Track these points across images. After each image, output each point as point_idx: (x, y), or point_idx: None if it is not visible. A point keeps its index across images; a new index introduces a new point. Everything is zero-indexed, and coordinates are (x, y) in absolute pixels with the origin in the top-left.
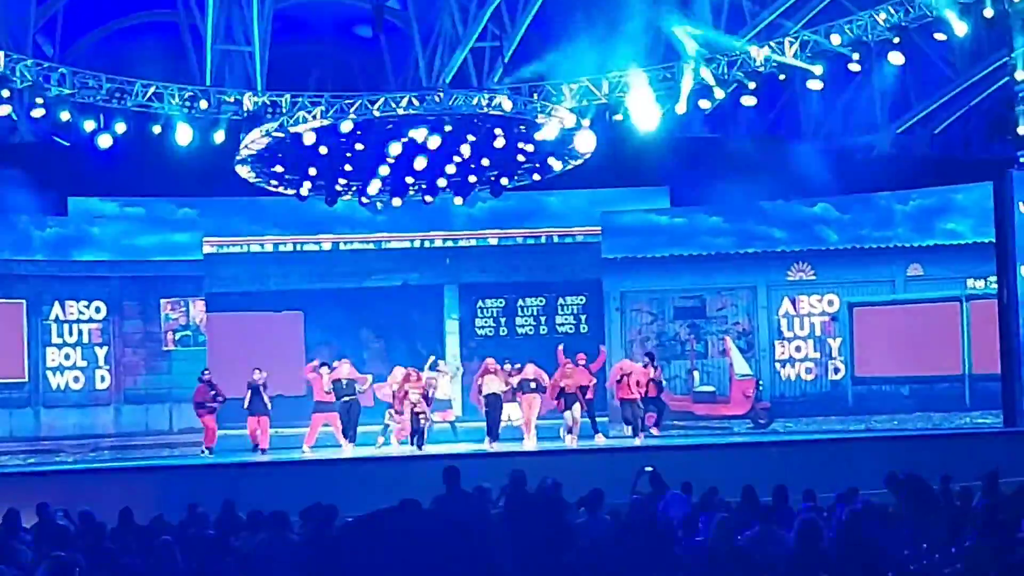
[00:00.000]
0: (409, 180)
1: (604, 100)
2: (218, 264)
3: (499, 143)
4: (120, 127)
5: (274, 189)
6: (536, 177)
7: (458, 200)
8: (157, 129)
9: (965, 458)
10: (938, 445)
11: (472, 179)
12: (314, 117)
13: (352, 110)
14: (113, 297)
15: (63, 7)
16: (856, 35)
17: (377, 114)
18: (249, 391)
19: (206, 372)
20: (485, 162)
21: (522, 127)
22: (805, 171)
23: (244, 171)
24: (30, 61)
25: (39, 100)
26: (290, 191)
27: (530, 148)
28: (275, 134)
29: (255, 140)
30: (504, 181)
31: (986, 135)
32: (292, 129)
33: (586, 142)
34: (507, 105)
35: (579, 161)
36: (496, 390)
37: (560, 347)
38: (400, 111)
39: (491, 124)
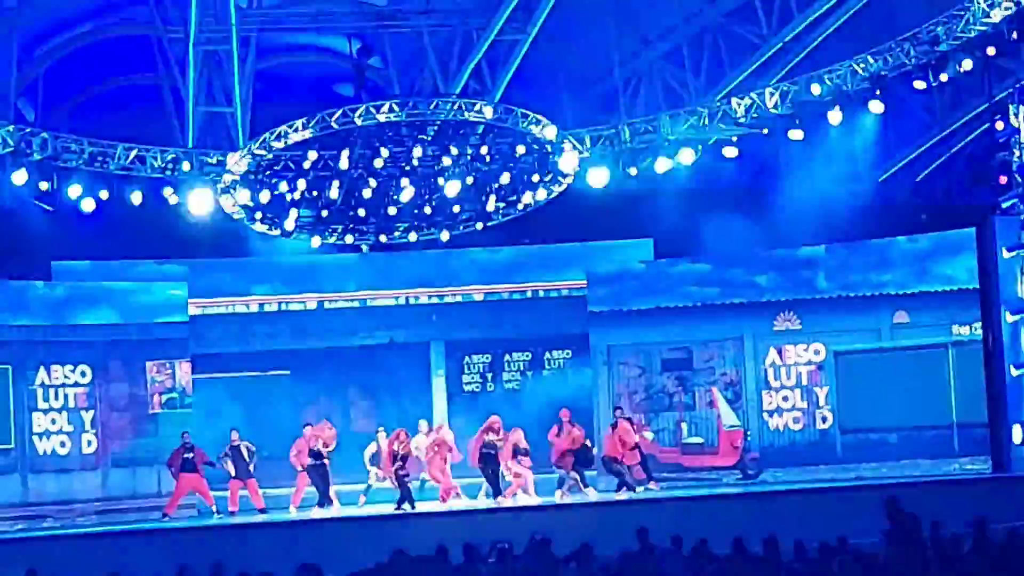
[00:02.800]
0: (392, 211)
1: (587, 154)
2: (204, 325)
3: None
4: (103, 191)
5: (258, 228)
6: (522, 205)
7: (444, 235)
8: (136, 196)
9: (955, 504)
10: (928, 492)
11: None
12: (295, 130)
13: (333, 119)
14: (98, 361)
15: (44, 72)
16: (835, 84)
17: (359, 122)
18: (228, 456)
19: (185, 435)
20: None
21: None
22: (789, 221)
23: (227, 203)
24: (11, 126)
25: (21, 166)
26: (275, 231)
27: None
28: (256, 151)
29: (237, 162)
30: (490, 206)
31: (968, 182)
32: (275, 144)
33: (570, 162)
34: (488, 112)
35: (562, 187)
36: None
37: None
38: (381, 117)
39: (473, 138)
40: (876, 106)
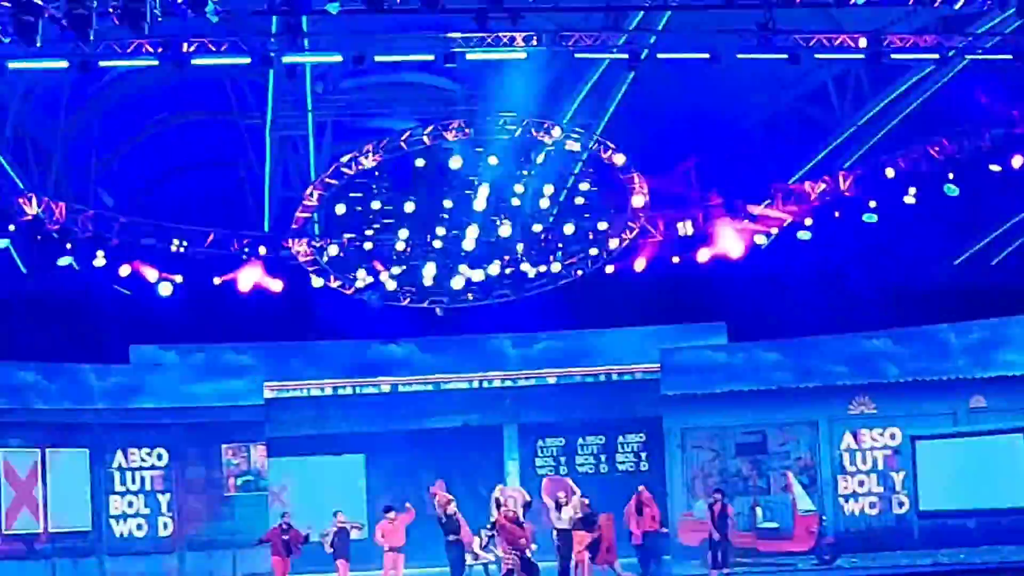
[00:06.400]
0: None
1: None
2: (279, 409)
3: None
4: (179, 276)
5: (326, 282)
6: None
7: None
8: (218, 280)
9: None
10: None
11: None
12: (365, 155)
13: (403, 139)
14: (175, 444)
15: (122, 158)
16: (910, 167)
17: (427, 141)
18: (333, 535)
19: (286, 515)
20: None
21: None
22: (863, 304)
23: (301, 247)
24: (91, 212)
25: (100, 251)
26: (348, 289)
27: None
28: (328, 180)
29: (311, 193)
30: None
31: None
32: (346, 171)
33: (642, 199)
34: (556, 132)
35: (634, 233)
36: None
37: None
38: (449, 136)
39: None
40: (951, 188)
